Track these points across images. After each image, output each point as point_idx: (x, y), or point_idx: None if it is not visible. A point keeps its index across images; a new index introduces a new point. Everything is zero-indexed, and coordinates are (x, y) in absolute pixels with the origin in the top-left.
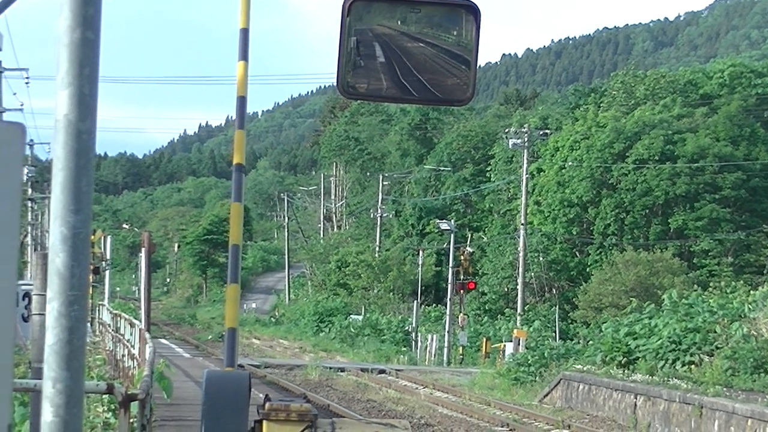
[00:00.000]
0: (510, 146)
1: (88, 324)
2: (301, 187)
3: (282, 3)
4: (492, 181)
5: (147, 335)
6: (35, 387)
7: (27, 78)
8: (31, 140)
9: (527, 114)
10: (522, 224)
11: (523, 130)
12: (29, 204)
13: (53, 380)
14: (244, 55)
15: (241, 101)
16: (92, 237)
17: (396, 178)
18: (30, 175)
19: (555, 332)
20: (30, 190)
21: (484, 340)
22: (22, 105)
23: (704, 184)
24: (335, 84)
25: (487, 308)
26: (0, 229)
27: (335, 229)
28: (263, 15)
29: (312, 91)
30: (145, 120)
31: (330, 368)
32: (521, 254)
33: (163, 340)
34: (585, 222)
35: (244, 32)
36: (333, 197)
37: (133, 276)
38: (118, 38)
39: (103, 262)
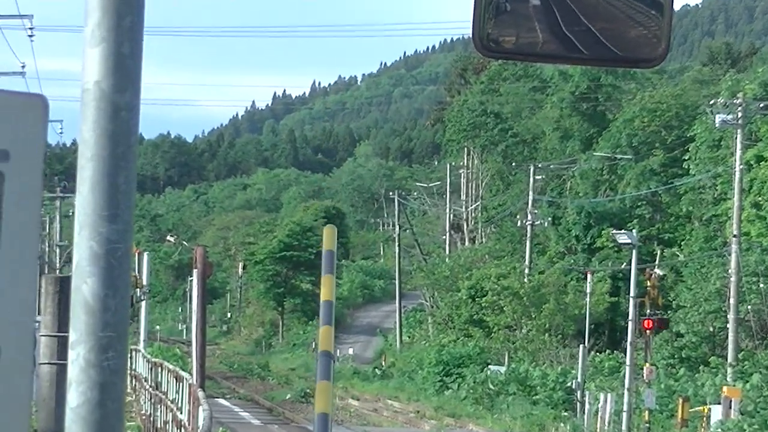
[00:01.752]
0: (717, 125)
1: None
2: (417, 184)
3: None
4: (691, 175)
5: (200, 393)
6: None
7: (31, 29)
8: None
9: (742, 79)
10: (734, 236)
11: (735, 101)
12: None
13: None
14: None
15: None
16: None
17: (553, 169)
18: None
19: None
20: None
21: (681, 401)
22: (23, 66)
23: None
24: (470, 37)
25: (684, 356)
26: (20, 229)
27: (467, 243)
28: None
29: (433, 46)
30: (197, 88)
31: None
32: (733, 279)
33: (222, 401)
34: None
35: None
36: (464, 197)
37: (180, 309)
38: None
39: (138, 290)
